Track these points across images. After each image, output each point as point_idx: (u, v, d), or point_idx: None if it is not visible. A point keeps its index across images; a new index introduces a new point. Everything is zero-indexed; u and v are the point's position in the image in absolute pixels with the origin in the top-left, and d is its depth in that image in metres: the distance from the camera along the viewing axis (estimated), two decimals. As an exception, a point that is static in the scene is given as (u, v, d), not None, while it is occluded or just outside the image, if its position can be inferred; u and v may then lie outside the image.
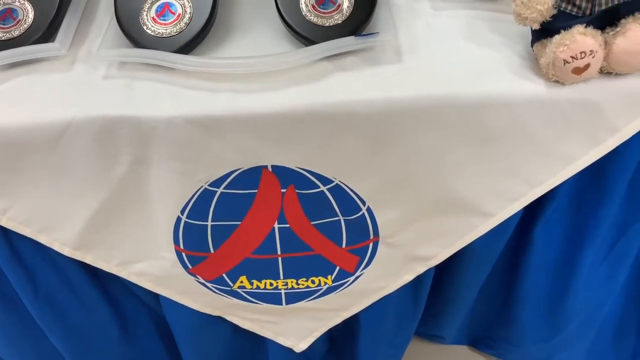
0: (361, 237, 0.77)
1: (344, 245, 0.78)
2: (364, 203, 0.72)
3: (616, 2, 0.59)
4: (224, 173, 0.68)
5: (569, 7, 0.60)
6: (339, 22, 0.67)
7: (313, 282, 0.83)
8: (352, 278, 0.82)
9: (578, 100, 0.63)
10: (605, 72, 0.61)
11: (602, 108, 0.63)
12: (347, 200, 0.71)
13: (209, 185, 0.69)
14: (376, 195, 0.72)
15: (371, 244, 0.78)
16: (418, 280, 0.86)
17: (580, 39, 0.57)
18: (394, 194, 0.72)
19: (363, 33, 0.67)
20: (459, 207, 0.73)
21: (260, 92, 0.64)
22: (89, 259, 0.79)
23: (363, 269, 0.81)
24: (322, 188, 0.70)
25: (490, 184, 0.70)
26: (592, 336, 1.01)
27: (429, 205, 0.73)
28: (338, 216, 0.74)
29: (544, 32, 0.61)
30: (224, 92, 0.64)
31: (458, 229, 0.76)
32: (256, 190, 0.70)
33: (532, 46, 0.64)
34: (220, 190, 0.70)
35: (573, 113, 0.64)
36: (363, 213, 0.73)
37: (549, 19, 0.60)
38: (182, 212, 0.72)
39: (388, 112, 0.63)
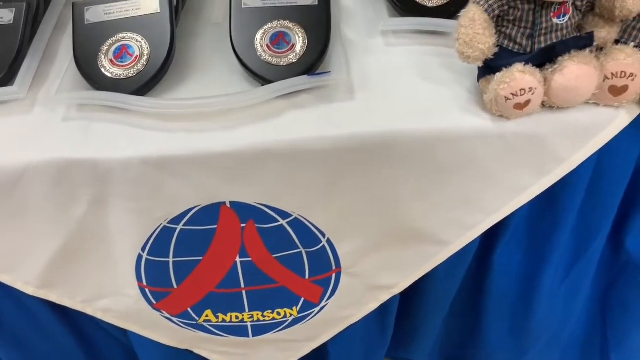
0: (324, 269, 0.78)
1: (307, 277, 0.79)
2: (323, 235, 0.73)
3: (554, 41, 0.62)
4: (183, 210, 0.69)
5: (511, 45, 0.63)
6: (293, 61, 0.69)
7: (279, 313, 0.84)
8: (317, 309, 0.83)
9: (523, 133, 0.65)
10: (548, 106, 0.64)
11: (547, 140, 0.66)
12: (307, 233, 0.73)
13: (168, 223, 0.70)
14: (335, 227, 0.73)
15: (334, 275, 0.79)
16: (384, 307, 0.88)
17: (520, 77, 0.59)
18: (352, 226, 0.73)
19: (316, 72, 0.69)
20: (416, 236, 0.75)
21: (215, 131, 0.65)
22: (53, 297, 0.79)
23: (328, 299, 0.82)
24: (282, 222, 0.71)
25: (446, 214, 0.72)
26: (559, 355, 1.02)
27: (387, 235, 0.75)
28: (299, 248, 0.75)
29: (488, 69, 0.64)
30: (180, 132, 0.65)
31: (417, 258, 0.78)
32: (216, 226, 0.71)
33: (478, 81, 0.66)
34: (179, 227, 0.71)
35: (520, 145, 0.66)
36: (324, 245, 0.75)
37: (492, 57, 0.63)
38: (143, 249, 0.72)
39: (341, 148, 0.65)
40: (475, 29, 0.61)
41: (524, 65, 0.60)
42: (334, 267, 0.78)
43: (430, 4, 0.77)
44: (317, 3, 0.72)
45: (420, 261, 0.78)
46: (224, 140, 0.65)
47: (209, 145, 0.65)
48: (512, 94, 0.60)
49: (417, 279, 0.81)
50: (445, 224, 0.73)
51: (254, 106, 0.67)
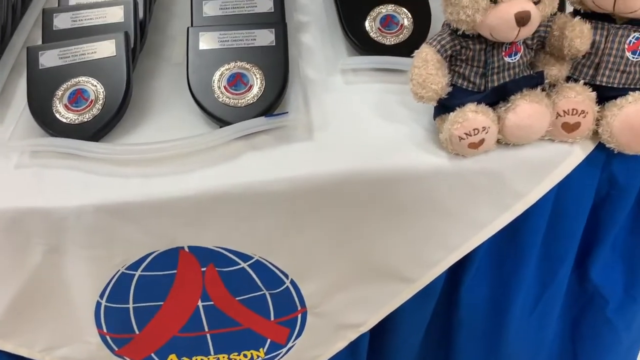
0: (289, 309, 0.76)
1: (272, 318, 0.77)
2: (286, 276, 0.72)
3: (506, 80, 0.62)
4: (140, 256, 0.68)
5: (465, 84, 0.63)
6: (251, 102, 0.69)
7: (245, 356, 0.82)
8: (284, 350, 0.82)
9: (481, 171, 0.65)
10: (504, 143, 0.64)
11: (505, 176, 0.66)
12: (269, 274, 0.72)
13: (125, 269, 0.69)
14: (298, 268, 0.72)
15: (300, 315, 0.78)
16: (354, 345, 0.86)
17: (472, 117, 0.59)
18: (315, 266, 0.72)
19: (274, 113, 0.69)
20: (380, 274, 0.74)
21: (171, 176, 0.64)
22: (9, 347, 0.77)
23: (295, 339, 0.81)
24: (243, 265, 0.70)
25: (408, 252, 0.72)
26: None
27: (351, 274, 0.74)
28: (262, 290, 0.73)
29: (443, 107, 0.64)
30: (135, 177, 0.64)
31: (383, 295, 0.77)
32: (175, 271, 0.70)
33: (434, 119, 0.67)
34: (138, 273, 0.69)
35: (478, 182, 0.66)
36: (287, 286, 0.73)
37: (446, 96, 0.63)
38: (101, 296, 0.70)
39: (300, 189, 0.65)
40: (428, 69, 0.62)
41: (477, 104, 0.61)
42: (299, 308, 0.76)
43: (388, 42, 0.78)
44: (274, 44, 0.72)
45: (386, 298, 0.77)
46: (180, 185, 0.64)
47: (165, 190, 0.64)
48: (466, 134, 0.60)
49: (384, 316, 0.80)
50: (408, 261, 0.73)
51: (210, 149, 0.66)
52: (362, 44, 0.78)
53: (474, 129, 0.60)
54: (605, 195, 0.71)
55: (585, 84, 0.63)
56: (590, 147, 0.65)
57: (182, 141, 0.65)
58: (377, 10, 0.79)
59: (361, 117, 0.71)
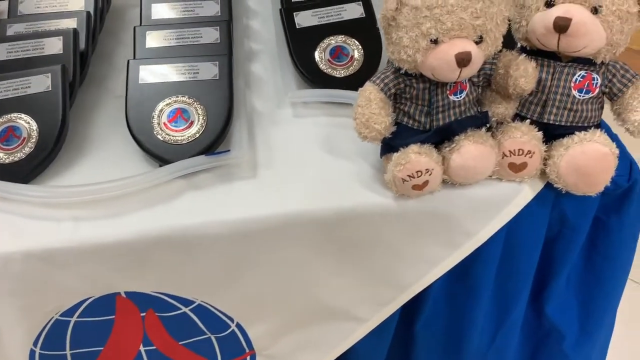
0: (236, 352, 0.73)
1: (220, 361, 0.75)
2: (231, 320, 0.69)
3: (452, 118, 0.60)
4: (74, 303, 0.64)
5: (410, 122, 0.62)
6: (192, 140, 0.66)
7: (194, 398, 0.79)
8: (234, 391, 0.79)
9: (428, 211, 0.63)
10: (450, 182, 0.62)
11: (453, 216, 0.64)
12: (213, 318, 0.69)
13: (60, 316, 0.65)
14: (244, 311, 0.69)
15: (248, 357, 0.75)
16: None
17: (415, 159, 0.58)
18: (261, 308, 0.69)
19: (215, 151, 0.66)
20: (331, 314, 0.71)
21: (105, 219, 0.61)
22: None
23: (245, 381, 0.78)
24: (184, 309, 0.67)
25: (358, 291, 0.70)
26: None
27: (300, 315, 0.71)
28: (207, 334, 0.70)
29: (388, 146, 0.62)
30: (67, 221, 0.61)
31: (335, 335, 0.74)
32: (113, 317, 0.67)
33: (380, 157, 0.65)
34: (74, 319, 0.66)
35: (426, 222, 0.64)
36: (233, 329, 0.70)
37: (390, 136, 0.61)
38: (35, 344, 0.67)
39: (242, 232, 0.62)
40: (372, 108, 0.60)
41: (421, 145, 0.59)
42: (247, 350, 0.73)
43: (338, 74, 0.76)
44: (217, 77, 0.70)
45: (338, 339, 0.74)
46: (114, 229, 0.61)
47: (98, 234, 0.60)
48: (409, 176, 0.58)
49: (336, 356, 0.77)
50: (359, 301, 0.71)
51: (148, 189, 0.63)
52: (311, 76, 0.76)
53: (417, 171, 0.58)
54: (557, 232, 0.69)
55: (533, 121, 0.62)
56: (539, 185, 0.64)
57: (117, 183, 0.62)
58: (326, 41, 0.77)
59: (307, 153, 0.69)
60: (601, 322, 0.77)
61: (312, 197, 0.63)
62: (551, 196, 0.65)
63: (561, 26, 0.55)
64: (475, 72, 0.58)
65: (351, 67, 0.76)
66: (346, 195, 0.64)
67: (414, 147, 0.58)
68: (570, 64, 0.60)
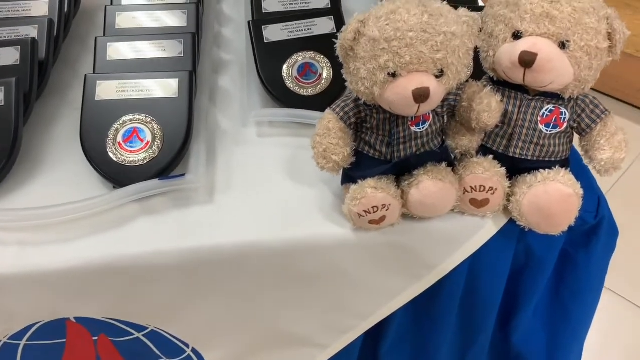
0: (194, 375, 0.72)
1: (177, 383, 0.73)
2: (187, 345, 0.68)
3: (413, 150, 0.58)
4: (22, 327, 0.62)
5: (371, 152, 0.59)
6: (147, 161, 0.64)
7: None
8: (193, 412, 0.77)
9: (388, 243, 0.61)
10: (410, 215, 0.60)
11: (413, 248, 0.62)
12: (167, 344, 0.67)
13: (8, 339, 0.63)
14: (200, 337, 0.68)
15: (206, 380, 0.73)
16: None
17: (372, 194, 0.55)
18: (218, 335, 0.68)
19: (169, 175, 0.64)
20: (291, 340, 0.70)
21: (52, 245, 0.59)
22: None
23: (203, 403, 0.77)
24: (137, 335, 0.65)
25: (318, 319, 0.68)
26: None
27: (260, 341, 0.69)
28: (162, 358, 0.69)
29: (348, 177, 0.60)
30: (13, 245, 0.59)
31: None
32: (64, 340, 0.65)
33: (342, 185, 0.62)
34: (23, 342, 0.64)
35: (386, 254, 0.62)
36: (189, 354, 0.69)
37: (349, 166, 0.59)
38: (-16, 367, 0.65)
39: (195, 261, 0.60)
40: (330, 138, 0.57)
41: (378, 179, 0.57)
42: (204, 374, 0.72)
43: (305, 93, 0.73)
44: (177, 95, 0.67)
45: (300, 363, 0.73)
46: (61, 255, 0.59)
47: (45, 260, 0.58)
48: (365, 211, 0.56)
49: (298, 380, 0.76)
50: (319, 328, 0.69)
51: (99, 213, 0.61)
52: (278, 94, 0.73)
53: (373, 207, 0.56)
54: (524, 264, 0.67)
55: (498, 154, 0.60)
56: (503, 220, 0.62)
57: (64, 207, 0.60)
58: (295, 57, 0.75)
59: (268, 177, 0.67)
60: (569, 353, 0.76)
61: (270, 227, 0.61)
62: (516, 230, 0.63)
63: (526, 61, 0.53)
64: (436, 106, 0.56)
65: (319, 86, 0.73)
66: (305, 225, 0.61)
67: (370, 182, 0.56)
68: (537, 97, 0.57)
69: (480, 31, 0.58)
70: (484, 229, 0.62)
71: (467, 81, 0.58)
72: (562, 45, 0.53)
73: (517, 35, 0.55)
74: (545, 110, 0.57)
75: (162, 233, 0.61)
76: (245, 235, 0.61)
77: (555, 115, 0.57)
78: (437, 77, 0.52)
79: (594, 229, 0.63)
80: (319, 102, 0.72)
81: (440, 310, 0.70)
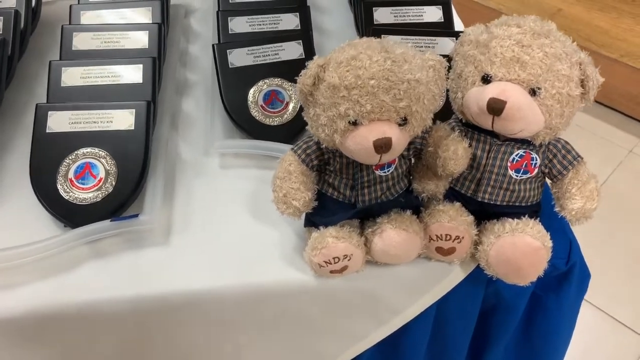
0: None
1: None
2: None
3: (378, 193, 0.55)
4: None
5: (335, 194, 0.56)
6: (99, 199, 0.61)
7: None
8: None
9: (352, 289, 0.59)
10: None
11: (378, 294, 0.60)
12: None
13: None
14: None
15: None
16: None
17: (333, 244, 0.53)
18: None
19: (122, 216, 0.60)
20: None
21: (-4, 291, 0.56)
22: None
23: None
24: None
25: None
26: None
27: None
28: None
29: (310, 221, 0.57)
30: (-48, 292, 0.56)
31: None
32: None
33: (305, 227, 0.60)
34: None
35: (349, 299, 0.60)
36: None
37: (311, 211, 0.56)
38: None
39: (144, 310, 0.57)
40: (291, 182, 0.54)
41: (340, 227, 0.54)
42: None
43: (271, 122, 0.70)
44: (133, 127, 0.64)
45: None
46: (5, 302, 0.55)
47: (-16, 309, 0.55)
48: (326, 262, 0.53)
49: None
50: (282, 369, 0.67)
51: (48, 257, 0.58)
52: (242, 123, 0.70)
53: (334, 257, 0.53)
54: (493, 306, 0.65)
55: (467, 197, 0.57)
56: (471, 266, 0.59)
57: (7, 252, 0.56)
58: (261, 83, 0.71)
59: (230, 214, 0.64)
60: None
61: (227, 272, 0.58)
62: (485, 274, 0.61)
63: (495, 109, 0.50)
64: (399, 154, 0.53)
65: (286, 115, 0.70)
66: (265, 270, 0.58)
67: (332, 230, 0.53)
68: (507, 142, 0.54)
69: (449, 70, 0.55)
70: (451, 274, 0.59)
71: (434, 122, 0.55)
72: (533, 92, 0.50)
73: (486, 79, 0.52)
74: (516, 156, 0.55)
75: (111, 279, 0.57)
76: (201, 281, 0.58)
77: (526, 161, 0.55)
78: (400, 125, 0.50)
79: (565, 274, 0.61)
80: (285, 133, 0.69)
81: (407, 352, 0.68)
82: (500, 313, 0.65)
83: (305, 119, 0.53)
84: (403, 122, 0.49)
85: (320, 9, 0.94)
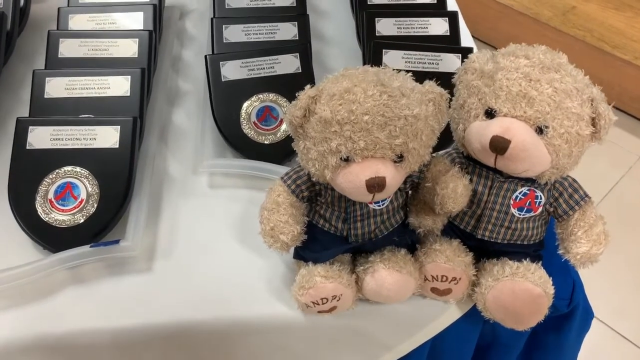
0: None
1: None
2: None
3: (372, 227, 0.52)
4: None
5: (327, 225, 0.53)
6: (80, 222, 0.58)
7: None
8: None
9: (341, 326, 0.56)
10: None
11: (369, 330, 0.57)
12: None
13: None
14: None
15: None
16: None
17: (321, 284, 0.50)
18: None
19: (103, 241, 0.57)
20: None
21: (-32, 320, 0.54)
22: None
23: None
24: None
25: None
26: None
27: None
28: None
29: (299, 254, 0.54)
30: None
31: None
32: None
33: (294, 258, 0.57)
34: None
35: (339, 336, 0.57)
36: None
37: (300, 245, 0.53)
38: None
39: (123, 342, 0.54)
40: (279, 214, 0.51)
41: (330, 265, 0.51)
42: None
43: (264, 140, 0.67)
44: (117, 146, 0.61)
45: None
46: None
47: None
48: (314, 302, 0.50)
49: None
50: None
51: (20, 284, 0.55)
52: (233, 140, 0.67)
53: (322, 298, 0.50)
54: (490, 343, 0.62)
55: (467, 233, 0.54)
56: (468, 304, 0.56)
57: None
58: (254, 98, 0.68)
59: (216, 239, 0.61)
60: None
61: (211, 304, 0.56)
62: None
63: (498, 148, 0.46)
64: (393, 192, 0.49)
65: (279, 133, 0.67)
66: (251, 303, 0.56)
67: (320, 269, 0.50)
68: (511, 179, 0.51)
69: (451, 101, 0.52)
70: (446, 313, 0.56)
71: (432, 153, 0.52)
72: (540, 131, 0.47)
73: (490, 113, 0.48)
74: (519, 194, 0.51)
75: (90, 309, 0.55)
76: (184, 313, 0.55)
77: (530, 199, 0.51)
78: (396, 162, 0.46)
79: (567, 315, 0.58)
80: (277, 152, 0.66)
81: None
82: (498, 351, 0.62)
83: (295, 149, 0.50)
84: (399, 159, 0.46)
85: (321, 14, 0.90)
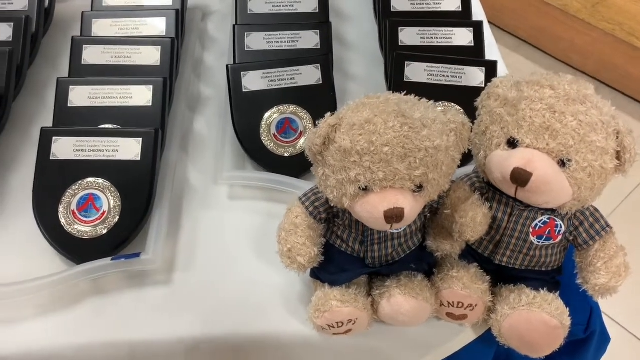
0: None
1: None
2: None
3: (389, 250, 0.52)
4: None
5: (344, 246, 0.53)
6: (102, 234, 0.59)
7: None
8: None
9: (356, 346, 0.56)
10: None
11: (384, 351, 0.57)
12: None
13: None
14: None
15: None
16: None
17: (337, 308, 0.50)
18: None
19: (123, 254, 0.58)
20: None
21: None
22: None
23: None
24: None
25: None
26: None
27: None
28: None
29: (315, 274, 0.55)
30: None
31: None
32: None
33: (310, 276, 0.57)
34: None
35: (354, 354, 0.57)
36: None
37: (317, 266, 0.53)
38: None
39: (138, 356, 0.55)
40: (297, 236, 0.51)
41: (346, 288, 0.51)
42: None
43: (283, 153, 0.67)
44: (139, 158, 0.61)
45: None
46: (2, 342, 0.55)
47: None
48: (329, 325, 0.51)
49: None
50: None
51: (44, 295, 0.57)
52: (253, 152, 0.67)
53: (337, 322, 0.50)
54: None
55: (484, 258, 0.54)
56: (483, 328, 0.56)
57: (5, 289, 0.55)
58: (274, 110, 0.68)
59: (235, 253, 0.61)
60: None
61: (228, 318, 0.57)
62: (497, 335, 0.58)
63: (519, 180, 0.46)
64: (412, 221, 0.49)
65: (299, 146, 0.67)
66: (266, 319, 0.56)
67: (336, 293, 0.51)
68: (531, 207, 0.50)
69: (473, 122, 0.51)
70: (462, 335, 0.56)
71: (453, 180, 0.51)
72: (562, 164, 0.46)
73: (512, 143, 0.48)
74: (539, 222, 0.51)
75: (108, 321, 0.56)
76: (201, 327, 0.56)
77: (550, 228, 0.51)
78: (415, 192, 0.46)
79: (584, 340, 0.58)
80: (297, 165, 0.66)
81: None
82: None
83: (314, 173, 0.50)
84: (418, 189, 0.46)
85: (344, 18, 0.89)
